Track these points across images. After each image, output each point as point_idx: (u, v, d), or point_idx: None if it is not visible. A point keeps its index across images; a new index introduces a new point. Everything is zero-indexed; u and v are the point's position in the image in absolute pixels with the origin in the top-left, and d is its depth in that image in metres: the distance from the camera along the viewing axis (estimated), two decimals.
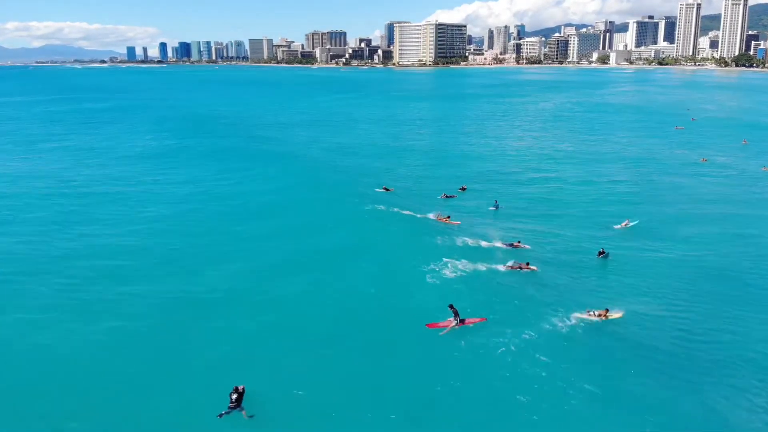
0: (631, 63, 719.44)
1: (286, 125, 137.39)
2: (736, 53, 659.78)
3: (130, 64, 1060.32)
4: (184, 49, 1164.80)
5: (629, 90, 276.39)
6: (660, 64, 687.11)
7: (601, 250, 45.88)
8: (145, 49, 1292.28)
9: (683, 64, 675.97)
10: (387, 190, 67.21)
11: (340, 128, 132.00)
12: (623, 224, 53.66)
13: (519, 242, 48.05)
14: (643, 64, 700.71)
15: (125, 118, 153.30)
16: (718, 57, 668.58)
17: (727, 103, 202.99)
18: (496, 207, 61.11)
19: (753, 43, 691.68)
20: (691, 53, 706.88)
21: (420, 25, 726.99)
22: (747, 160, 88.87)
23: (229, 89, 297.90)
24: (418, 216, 56.31)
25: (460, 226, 53.44)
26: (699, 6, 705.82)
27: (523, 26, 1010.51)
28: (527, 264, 43.10)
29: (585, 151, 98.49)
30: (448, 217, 55.28)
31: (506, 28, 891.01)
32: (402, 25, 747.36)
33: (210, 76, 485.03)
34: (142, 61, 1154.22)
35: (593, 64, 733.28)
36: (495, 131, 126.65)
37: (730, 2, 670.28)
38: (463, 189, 69.52)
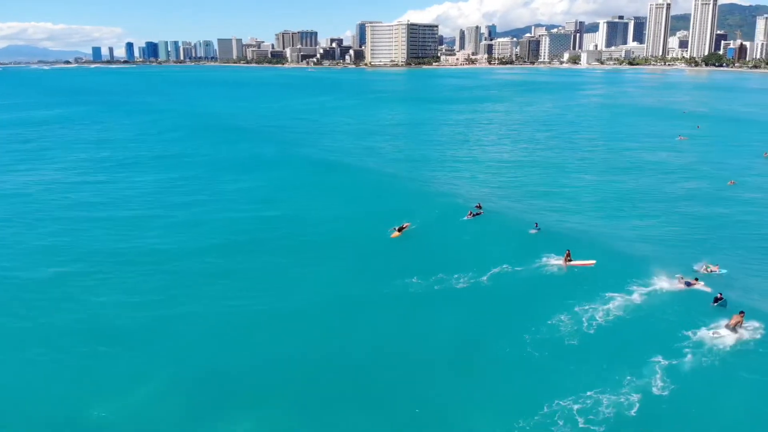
0: (602, 63, 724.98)
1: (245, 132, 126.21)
2: (706, 53, 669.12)
3: (98, 65, 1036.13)
4: (151, 49, 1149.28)
5: (611, 92, 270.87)
6: (631, 64, 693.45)
7: (718, 295, 36.60)
8: (111, 50, 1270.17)
9: (654, 64, 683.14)
10: (401, 230, 50.58)
11: (309, 137, 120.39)
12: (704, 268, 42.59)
13: (700, 275, 39.83)
14: (614, 64, 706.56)
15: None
16: (688, 57, 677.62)
17: (718, 104, 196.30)
18: (538, 229, 51.93)
19: (722, 42, 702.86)
20: (661, 53, 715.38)
21: (392, 26, 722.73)
22: None
23: (191, 90, 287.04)
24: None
25: (596, 265, 42.55)
26: (668, 6, 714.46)
27: (494, 26, 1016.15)
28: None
29: (590, 162, 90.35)
30: (568, 254, 42.94)
31: (477, 28, 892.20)
32: (374, 25, 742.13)
33: (177, 77, 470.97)
34: (108, 62, 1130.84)
35: (564, 65, 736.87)
36: (483, 139, 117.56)
37: (699, 2, 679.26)
38: (479, 208, 59.80)
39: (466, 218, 55.04)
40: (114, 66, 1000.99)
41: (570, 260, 42.12)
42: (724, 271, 41.91)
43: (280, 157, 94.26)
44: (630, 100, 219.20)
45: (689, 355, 30.04)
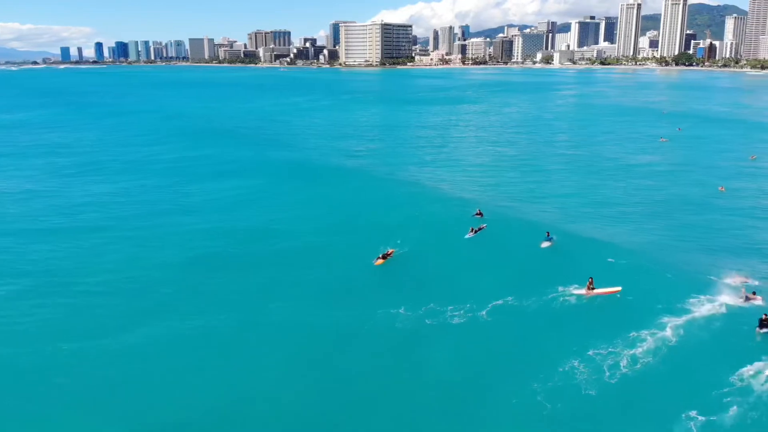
0: (575, 63, 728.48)
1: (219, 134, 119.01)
2: (676, 52, 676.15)
3: (67, 65, 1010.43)
4: (121, 49, 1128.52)
5: (588, 92, 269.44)
6: (602, 63, 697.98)
7: (764, 316, 32.37)
8: (80, 50, 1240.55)
9: (625, 64, 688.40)
10: (385, 257, 44.26)
11: (282, 140, 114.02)
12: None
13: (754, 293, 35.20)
14: (586, 64, 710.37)
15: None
16: (658, 56, 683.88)
17: (694, 105, 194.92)
18: (551, 241, 46.83)
19: (692, 42, 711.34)
20: (632, 53, 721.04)
21: (366, 25, 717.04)
22: None
23: (160, 91, 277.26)
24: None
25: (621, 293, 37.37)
26: (639, 6, 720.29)
27: (467, 27, 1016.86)
28: None
29: (579, 166, 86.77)
30: (591, 282, 37.68)
31: (451, 28, 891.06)
32: (347, 25, 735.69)
33: (146, 77, 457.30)
34: (77, 62, 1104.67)
35: (537, 65, 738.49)
36: (466, 142, 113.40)
37: (670, 2, 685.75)
38: (480, 215, 55.42)
39: (467, 236, 49.33)
40: (83, 66, 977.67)
41: (593, 288, 37.14)
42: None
43: (252, 162, 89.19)
44: (607, 100, 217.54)
45: (733, 407, 25.44)
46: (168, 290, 39.53)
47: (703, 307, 34.22)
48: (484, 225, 51.35)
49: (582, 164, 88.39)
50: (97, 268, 43.38)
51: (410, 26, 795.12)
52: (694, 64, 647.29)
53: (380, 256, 44.16)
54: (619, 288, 37.26)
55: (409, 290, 38.25)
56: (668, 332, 31.53)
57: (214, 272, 42.64)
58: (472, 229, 50.05)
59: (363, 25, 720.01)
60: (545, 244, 46.50)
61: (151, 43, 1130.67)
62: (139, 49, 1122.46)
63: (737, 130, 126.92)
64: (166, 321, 34.87)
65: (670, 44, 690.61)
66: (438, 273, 41.75)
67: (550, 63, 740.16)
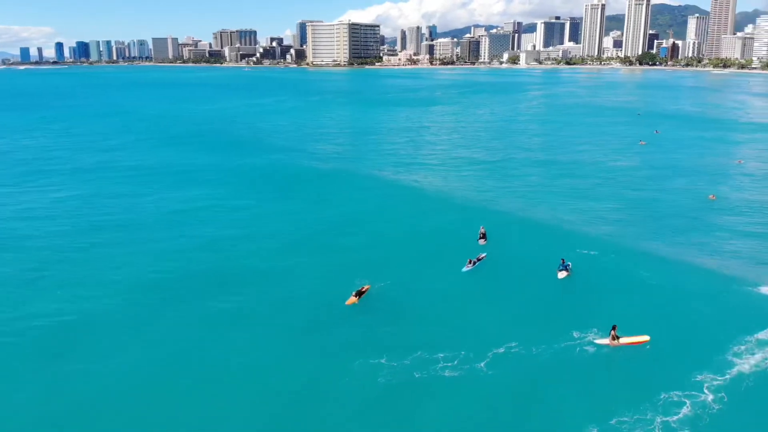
0: (541, 63, 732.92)
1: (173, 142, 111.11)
2: (640, 52, 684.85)
3: (27, 66, 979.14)
4: (82, 49, 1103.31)
5: (559, 92, 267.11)
6: (568, 63, 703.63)
7: None
8: (40, 50, 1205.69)
9: (590, 64, 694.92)
10: (360, 295, 37.61)
11: (246, 146, 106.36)
12: None
13: None
14: (552, 64, 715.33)
15: None
16: (623, 56, 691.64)
17: (667, 104, 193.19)
18: (567, 270, 40.56)
19: (655, 42, 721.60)
20: (596, 53, 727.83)
21: (333, 25, 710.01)
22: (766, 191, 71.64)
23: (119, 92, 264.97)
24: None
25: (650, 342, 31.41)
26: (603, 7, 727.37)
27: (434, 27, 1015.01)
28: None
29: (566, 172, 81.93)
30: (614, 330, 31.63)
31: (418, 28, 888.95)
32: (314, 24, 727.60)
33: (106, 78, 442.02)
34: (37, 63, 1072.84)
35: (504, 65, 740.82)
36: (443, 145, 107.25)
37: (633, 2, 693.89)
38: (483, 238, 48.73)
39: (465, 269, 42.19)
40: (43, 67, 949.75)
41: (618, 338, 31.00)
42: None
43: (211, 170, 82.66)
44: (580, 100, 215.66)
45: None
46: (97, 327, 33.73)
47: (750, 360, 28.76)
48: (484, 255, 44.26)
49: (568, 171, 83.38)
50: (15, 300, 37.20)
51: (378, 26, 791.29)
52: (658, 63, 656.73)
53: (354, 293, 37.41)
54: (648, 337, 31.50)
55: (391, 335, 32.20)
56: (708, 396, 26.09)
57: (156, 305, 36.70)
58: (470, 261, 42.74)
59: (330, 25, 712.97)
60: (562, 275, 40.15)
61: (113, 43, 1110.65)
62: (101, 49, 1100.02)
63: (715, 132, 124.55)
64: (87, 368, 29.11)
65: (634, 44, 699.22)
66: (426, 313, 35.50)
67: (517, 63, 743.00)
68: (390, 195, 68.31)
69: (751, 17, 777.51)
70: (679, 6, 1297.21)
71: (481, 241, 48.26)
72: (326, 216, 58.15)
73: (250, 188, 71.64)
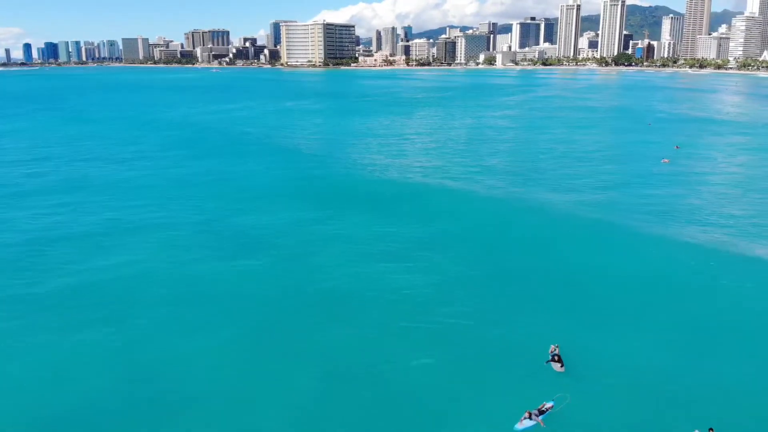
0: (517, 64, 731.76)
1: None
2: (616, 53, 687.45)
3: None
4: (51, 49, 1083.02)
5: (545, 95, 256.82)
6: (544, 64, 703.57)
7: None
8: (8, 51, 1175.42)
9: (566, 64, 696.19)
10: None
11: (215, 161, 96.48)
12: None
13: None
14: (528, 64, 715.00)
15: None
16: (599, 57, 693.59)
17: (675, 110, 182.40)
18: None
19: (630, 42, 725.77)
20: (572, 53, 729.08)
21: (307, 25, 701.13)
22: None
23: (79, 97, 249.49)
24: None
25: None
26: (579, 7, 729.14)
27: (410, 28, 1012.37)
28: None
29: (578, 203, 69.89)
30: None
31: (394, 29, 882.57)
32: (289, 24, 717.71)
33: (71, 80, 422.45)
34: (4, 64, 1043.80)
35: (481, 66, 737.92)
36: (429, 156, 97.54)
37: (609, 3, 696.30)
38: (557, 360, 31.94)
39: (520, 426, 26.87)
40: (11, 69, 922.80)
41: None
42: None
43: (171, 191, 72.42)
44: (572, 103, 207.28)
45: None
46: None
47: None
48: (550, 404, 28.00)
49: (582, 199, 69.19)
50: None
51: (353, 26, 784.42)
52: (634, 64, 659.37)
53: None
54: None
55: None
56: None
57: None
58: (529, 414, 27.11)
59: (305, 25, 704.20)
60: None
61: (82, 44, 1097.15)
62: (70, 50, 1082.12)
63: (749, 141, 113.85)
64: None
65: (610, 45, 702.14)
66: None
67: (493, 64, 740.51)
68: (386, 255, 60.00)
69: (721, 18, 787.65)
70: (650, 7, 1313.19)
71: (557, 366, 31.27)
72: (307, 279, 49.56)
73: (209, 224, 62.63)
